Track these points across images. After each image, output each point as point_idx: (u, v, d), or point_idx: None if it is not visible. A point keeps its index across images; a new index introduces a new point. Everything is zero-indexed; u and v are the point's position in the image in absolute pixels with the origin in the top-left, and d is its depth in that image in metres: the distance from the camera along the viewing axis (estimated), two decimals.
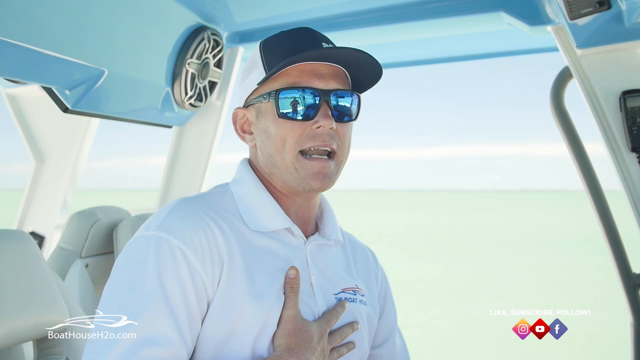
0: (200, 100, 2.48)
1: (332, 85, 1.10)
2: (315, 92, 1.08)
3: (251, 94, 1.15)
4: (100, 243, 2.44)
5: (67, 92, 1.97)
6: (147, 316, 0.95)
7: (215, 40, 2.38)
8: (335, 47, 1.07)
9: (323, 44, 1.11)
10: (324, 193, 1.23)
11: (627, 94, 1.77)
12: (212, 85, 2.53)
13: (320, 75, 1.09)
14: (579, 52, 1.83)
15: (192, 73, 2.34)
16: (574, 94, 1.96)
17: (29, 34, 1.66)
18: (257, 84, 1.12)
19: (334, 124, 1.08)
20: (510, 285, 10.70)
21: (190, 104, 2.42)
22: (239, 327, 1.01)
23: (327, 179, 1.09)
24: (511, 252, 15.55)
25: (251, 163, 1.20)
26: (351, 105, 1.13)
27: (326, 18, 2.28)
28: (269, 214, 1.12)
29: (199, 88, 2.44)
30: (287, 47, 1.10)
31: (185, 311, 0.97)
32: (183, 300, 0.97)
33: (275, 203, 1.14)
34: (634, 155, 1.79)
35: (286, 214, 1.14)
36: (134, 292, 0.98)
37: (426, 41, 2.58)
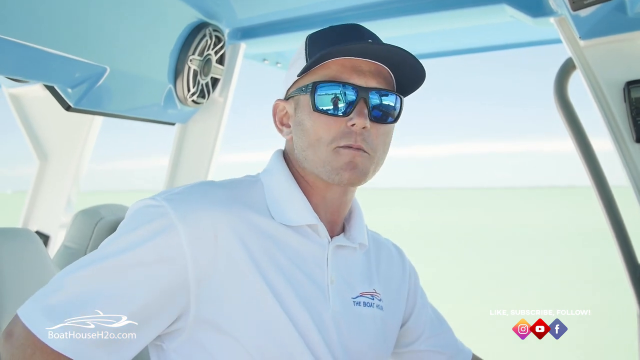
0: (203, 97, 2.48)
1: (371, 83, 1.06)
2: (353, 88, 1.04)
3: (292, 86, 1.13)
4: None
5: (69, 90, 1.96)
6: (91, 272, 0.94)
7: (217, 37, 2.37)
8: (375, 43, 1.04)
9: (369, 40, 1.09)
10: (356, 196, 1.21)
11: (631, 85, 1.76)
12: (215, 81, 2.53)
13: (361, 71, 1.06)
14: (582, 43, 1.82)
15: (194, 70, 2.34)
16: (578, 85, 1.95)
17: (31, 32, 1.65)
18: (297, 76, 1.09)
19: (367, 124, 1.04)
20: (513, 285, 10.69)
21: (193, 100, 2.42)
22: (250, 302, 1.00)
23: (356, 170, 1.05)
24: (515, 252, 15.55)
25: (285, 156, 1.18)
26: (390, 106, 1.09)
27: (327, 13, 2.28)
28: (296, 208, 1.09)
29: (202, 85, 2.44)
30: (331, 40, 1.08)
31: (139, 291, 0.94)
32: (146, 282, 0.94)
33: (304, 198, 1.11)
34: (638, 146, 1.78)
35: (315, 211, 1.11)
36: (104, 249, 0.97)
37: (427, 35, 2.58)
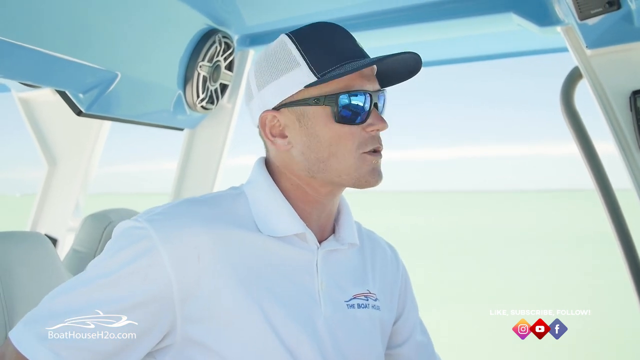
0: (212, 102, 2.50)
1: (376, 86, 1.10)
2: (369, 94, 1.07)
3: (290, 96, 1.07)
4: None
5: (81, 95, 1.99)
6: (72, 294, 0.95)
7: (226, 43, 2.40)
8: (401, 53, 1.06)
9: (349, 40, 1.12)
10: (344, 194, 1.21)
11: (637, 94, 1.77)
12: (223, 87, 2.55)
13: (367, 76, 1.08)
14: (588, 52, 1.83)
15: (203, 76, 2.36)
16: (584, 94, 1.96)
17: (43, 38, 1.68)
18: (305, 86, 1.05)
19: (387, 126, 1.08)
20: (514, 286, 10.65)
21: (202, 106, 2.44)
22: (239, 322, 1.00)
23: (380, 176, 1.08)
24: (516, 254, 15.50)
25: (269, 165, 1.15)
26: (385, 104, 1.13)
27: (335, 21, 2.29)
28: (282, 219, 1.08)
29: (211, 91, 2.46)
30: (331, 47, 1.08)
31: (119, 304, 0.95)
32: (120, 296, 0.95)
33: (289, 207, 1.09)
34: None
35: (305, 218, 1.10)
36: (90, 271, 0.98)
37: (435, 43, 2.59)
